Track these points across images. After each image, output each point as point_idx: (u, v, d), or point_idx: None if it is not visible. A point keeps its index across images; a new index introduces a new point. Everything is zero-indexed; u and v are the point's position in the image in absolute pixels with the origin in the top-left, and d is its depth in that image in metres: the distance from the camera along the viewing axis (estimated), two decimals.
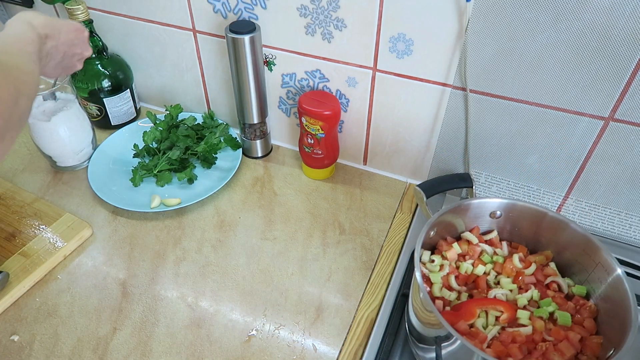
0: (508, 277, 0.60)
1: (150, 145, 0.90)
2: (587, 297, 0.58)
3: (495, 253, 0.63)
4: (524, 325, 0.55)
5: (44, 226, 0.77)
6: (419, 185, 0.69)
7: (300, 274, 0.72)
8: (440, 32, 0.67)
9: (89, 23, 0.87)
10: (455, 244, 0.63)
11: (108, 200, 0.80)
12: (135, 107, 1.00)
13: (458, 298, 0.59)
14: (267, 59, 0.83)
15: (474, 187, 0.71)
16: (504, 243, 0.64)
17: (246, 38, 0.75)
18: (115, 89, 0.94)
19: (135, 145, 0.90)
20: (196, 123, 0.93)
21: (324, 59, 0.78)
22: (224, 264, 0.74)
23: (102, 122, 0.97)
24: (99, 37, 0.90)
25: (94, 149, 0.91)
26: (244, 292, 0.70)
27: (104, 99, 0.93)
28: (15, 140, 0.46)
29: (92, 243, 0.77)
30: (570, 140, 0.70)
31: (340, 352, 0.63)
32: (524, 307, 0.57)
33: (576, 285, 0.59)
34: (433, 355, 0.52)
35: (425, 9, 0.66)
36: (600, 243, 0.57)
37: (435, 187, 0.70)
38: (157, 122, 0.92)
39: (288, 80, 0.84)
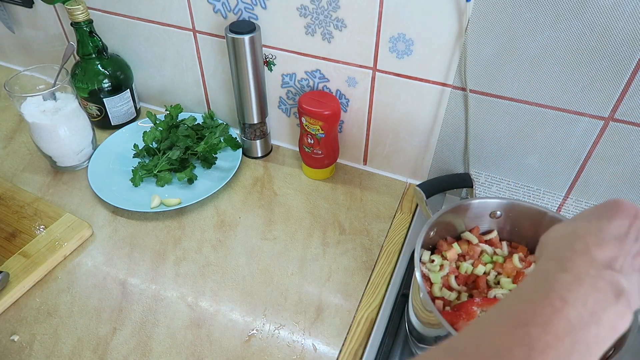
0: (508, 277, 0.60)
1: (150, 145, 0.90)
2: None
3: (495, 253, 0.63)
4: None
5: (43, 226, 0.77)
6: (419, 185, 0.69)
7: (300, 274, 0.72)
8: (440, 32, 0.67)
9: (89, 23, 0.87)
10: (455, 244, 0.63)
11: (108, 200, 0.80)
12: (135, 107, 1.00)
13: (458, 298, 0.59)
14: (267, 59, 0.83)
15: (474, 187, 0.72)
16: (504, 243, 0.64)
17: (246, 38, 0.75)
18: (115, 89, 0.94)
19: (135, 145, 0.90)
20: (196, 123, 0.93)
21: (324, 59, 0.78)
22: (224, 264, 0.74)
23: (102, 122, 0.97)
24: (99, 37, 0.90)
25: (94, 149, 0.91)
26: (244, 292, 0.70)
27: (104, 99, 0.93)
28: None
29: (92, 243, 0.77)
30: (570, 140, 0.70)
31: (340, 352, 0.64)
32: None
33: None
34: None
35: (425, 9, 0.66)
36: None
37: (435, 187, 0.70)
38: (157, 122, 0.92)
39: (288, 80, 0.84)
